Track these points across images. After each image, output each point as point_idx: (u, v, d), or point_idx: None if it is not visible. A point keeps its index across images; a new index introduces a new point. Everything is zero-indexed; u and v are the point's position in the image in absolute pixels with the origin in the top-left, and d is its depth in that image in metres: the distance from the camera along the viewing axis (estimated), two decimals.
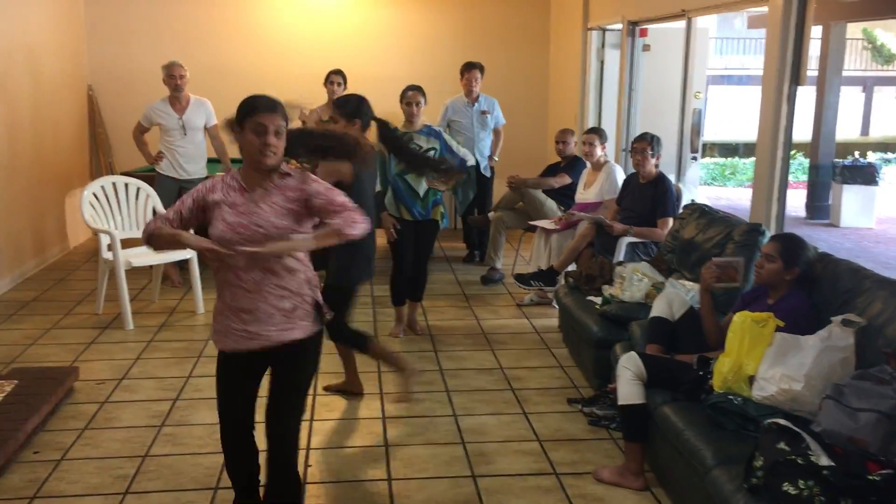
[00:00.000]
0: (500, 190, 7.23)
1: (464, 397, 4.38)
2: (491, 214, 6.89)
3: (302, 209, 2.67)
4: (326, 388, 4.40)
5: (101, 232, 5.57)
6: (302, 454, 3.68)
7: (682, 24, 6.03)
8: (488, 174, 7.27)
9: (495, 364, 4.88)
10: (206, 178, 6.44)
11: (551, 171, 6.73)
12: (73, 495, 3.31)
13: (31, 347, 5.04)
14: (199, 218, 2.73)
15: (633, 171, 5.50)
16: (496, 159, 7.33)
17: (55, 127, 7.38)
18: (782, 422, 2.65)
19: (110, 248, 5.48)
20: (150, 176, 6.38)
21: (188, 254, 5.73)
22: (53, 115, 7.33)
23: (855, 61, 19.73)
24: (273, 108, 2.62)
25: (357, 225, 2.65)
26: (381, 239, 8.17)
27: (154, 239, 2.69)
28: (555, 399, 4.36)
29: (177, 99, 6.36)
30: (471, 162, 5.37)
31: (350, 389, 4.38)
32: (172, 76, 6.31)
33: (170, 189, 6.30)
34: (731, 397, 3.07)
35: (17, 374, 4.29)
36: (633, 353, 3.52)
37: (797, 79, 4.29)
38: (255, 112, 2.61)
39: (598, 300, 4.63)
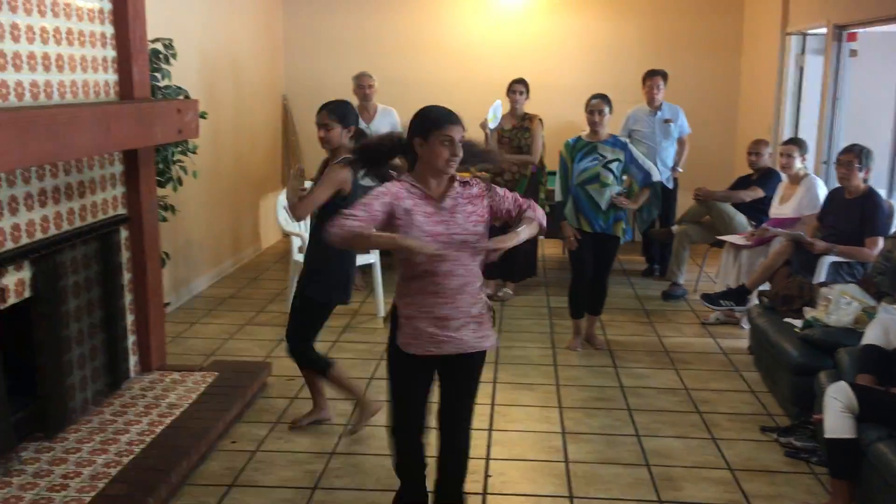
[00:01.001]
0: (684, 202, 6.96)
1: (647, 417, 4.21)
2: (674, 228, 6.63)
3: (488, 214, 2.80)
4: (293, 425, 4.05)
5: (294, 235, 5.84)
6: (482, 463, 3.66)
7: (895, 27, 5.54)
8: (671, 185, 7.01)
9: (679, 384, 4.66)
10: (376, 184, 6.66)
11: (742, 183, 6.39)
12: (267, 486, 3.46)
13: (228, 341, 5.35)
14: (384, 224, 2.70)
15: (837, 185, 5.10)
16: (681, 170, 7.06)
17: (252, 134, 7.84)
18: None
19: (301, 250, 5.73)
20: None
21: (372, 258, 5.89)
22: (251, 123, 7.79)
23: None
24: (458, 121, 2.71)
25: (543, 215, 2.88)
26: (557, 249, 8.15)
27: (357, 240, 2.62)
28: (746, 426, 4.10)
29: (365, 108, 6.58)
30: (656, 178, 5.14)
31: (320, 418, 4.10)
32: (362, 86, 6.54)
33: (357, 196, 6.51)
34: None
35: (217, 366, 4.57)
36: (842, 383, 3.24)
37: None
38: (443, 125, 2.68)
39: (798, 323, 4.31)
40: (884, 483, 2.93)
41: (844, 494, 3.17)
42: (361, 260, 5.98)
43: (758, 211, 6.08)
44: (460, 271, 2.71)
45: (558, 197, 5.17)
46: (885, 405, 3.14)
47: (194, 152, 5.30)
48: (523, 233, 2.75)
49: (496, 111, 6.24)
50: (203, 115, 5.06)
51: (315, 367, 4.01)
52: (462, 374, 2.86)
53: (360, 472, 3.60)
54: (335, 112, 3.83)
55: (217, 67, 6.88)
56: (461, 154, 2.69)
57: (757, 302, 5.10)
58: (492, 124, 6.20)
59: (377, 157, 2.92)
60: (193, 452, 3.56)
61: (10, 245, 3.32)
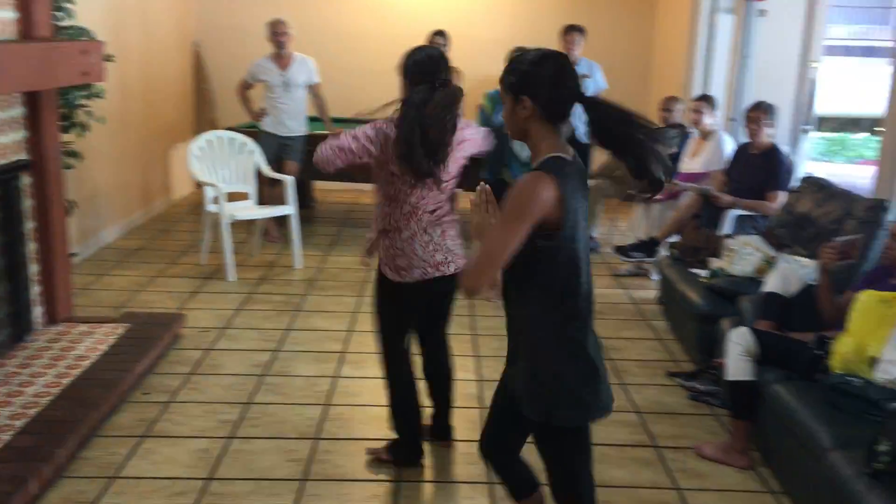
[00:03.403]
0: (598, 157, 7.08)
1: None
2: (589, 182, 6.74)
3: None
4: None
5: (208, 185, 5.70)
6: None
7: None
8: (586, 141, 7.11)
9: None
10: (307, 135, 6.57)
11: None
12: (181, 436, 3.42)
13: (139, 293, 5.22)
14: None
15: (744, 141, 5.28)
16: None
17: (163, 82, 7.56)
18: None
19: (215, 201, 5.61)
20: (252, 132, 6.48)
21: (288, 209, 5.82)
22: (161, 71, 7.51)
23: None
24: None
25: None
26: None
27: None
28: (654, 372, 4.26)
29: (281, 56, 6.43)
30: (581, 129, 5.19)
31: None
32: (277, 34, 6.37)
33: (271, 145, 6.39)
34: (850, 379, 2.93)
35: (128, 317, 4.46)
36: (744, 329, 3.40)
37: None
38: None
39: (704, 273, 4.48)
40: (779, 422, 3.10)
41: (743, 434, 3.34)
42: (279, 211, 5.92)
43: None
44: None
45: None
46: (782, 349, 3.31)
47: (100, 97, 5.08)
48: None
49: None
50: (109, 59, 4.85)
51: None
52: (450, 294, 3.21)
53: (277, 420, 3.59)
54: None
55: (124, 9, 6.58)
56: None
57: (666, 253, 5.27)
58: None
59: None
60: (103, 404, 3.48)
61: None
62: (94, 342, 4.05)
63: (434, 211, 3.01)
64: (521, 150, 5.03)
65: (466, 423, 3.60)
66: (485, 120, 5.13)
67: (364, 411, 3.71)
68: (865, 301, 3.03)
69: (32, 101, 4.03)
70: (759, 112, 5.02)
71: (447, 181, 3.01)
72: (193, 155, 5.76)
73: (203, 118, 8.53)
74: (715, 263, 4.48)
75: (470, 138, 3.12)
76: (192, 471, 3.16)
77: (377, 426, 3.53)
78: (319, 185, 8.22)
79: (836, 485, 2.58)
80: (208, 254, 5.87)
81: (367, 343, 4.43)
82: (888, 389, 2.84)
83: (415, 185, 2.94)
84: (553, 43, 7.06)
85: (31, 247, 4.13)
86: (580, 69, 6.84)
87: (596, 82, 7.01)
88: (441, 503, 3.07)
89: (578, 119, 6.80)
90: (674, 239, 5.41)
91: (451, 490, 3.11)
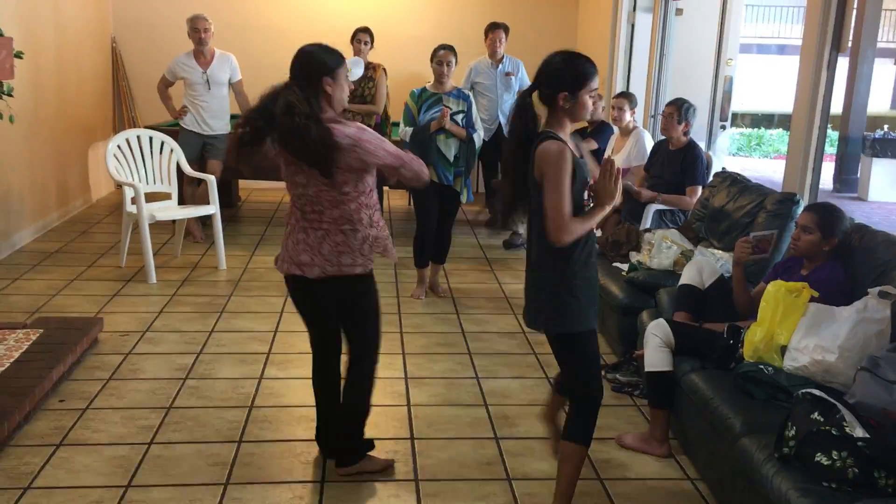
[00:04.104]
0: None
1: (486, 360, 4.36)
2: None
3: None
4: None
5: (126, 185, 5.55)
6: None
7: None
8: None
9: (518, 328, 4.85)
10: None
11: (578, 135, 6.63)
12: (99, 444, 3.33)
13: (54, 298, 5.06)
14: None
15: (662, 137, 5.41)
16: None
17: (79, 79, 7.34)
18: (817, 392, 2.61)
19: (134, 201, 5.47)
20: (173, 130, 6.35)
21: (211, 209, 5.72)
22: (77, 67, 7.29)
23: (888, 33, 19.28)
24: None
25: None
26: (403, 200, 8.20)
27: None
28: None
29: (201, 53, 6.31)
30: (477, 142, 5.17)
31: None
32: (196, 29, 6.25)
33: (193, 144, 6.27)
34: (762, 367, 3.03)
35: (42, 323, 4.31)
36: (661, 320, 3.48)
37: (838, 46, 4.18)
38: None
39: (625, 267, 4.58)
40: (695, 410, 3.19)
41: (662, 422, 3.42)
42: (201, 211, 5.81)
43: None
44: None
45: (409, 146, 5.17)
46: (697, 339, 3.40)
47: (10, 95, 4.90)
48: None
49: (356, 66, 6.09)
50: (19, 55, 4.70)
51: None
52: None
53: (199, 424, 3.53)
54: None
55: (35, 5, 6.36)
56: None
57: None
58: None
59: None
60: (16, 413, 3.35)
61: None
62: (5, 349, 3.90)
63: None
64: (448, 149, 5.03)
65: (394, 421, 3.61)
66: (410, 119, 5.12)
67: (289, 412, 3.68)
68: (774, 292, 3.14)
69: None
70: (672, 108, 5.15)
71: None
72: (111, 154, 5.60)
73: (122, 116, 8.31)
74: (635, 257, 4.58)
75: None
76: (109, 478, 3.08)
77: (302, 427, 3.50)
78: (244, 184, 8.11)
79: (747, 469, 2.66)
80: (128, 256, 5.72)
81: (292, 343, 4.39)
82: (797, 377, 2.95)
83: None
84: (479, 41, 7.11)
85: None
86: (504, 67, 6.94)
87: (521, 79, 7.09)
88: (366, 502, 3.06)
89: (504, 117, 6.94)
90: (596, 233, 5.50)
91: (376, 488, 3.10)
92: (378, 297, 3.10)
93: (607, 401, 3.86)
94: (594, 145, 6.37)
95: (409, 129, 5.10)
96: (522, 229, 6.66)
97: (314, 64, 2.82)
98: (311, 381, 3.23)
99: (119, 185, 5.65)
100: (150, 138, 5.89)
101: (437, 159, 5.04)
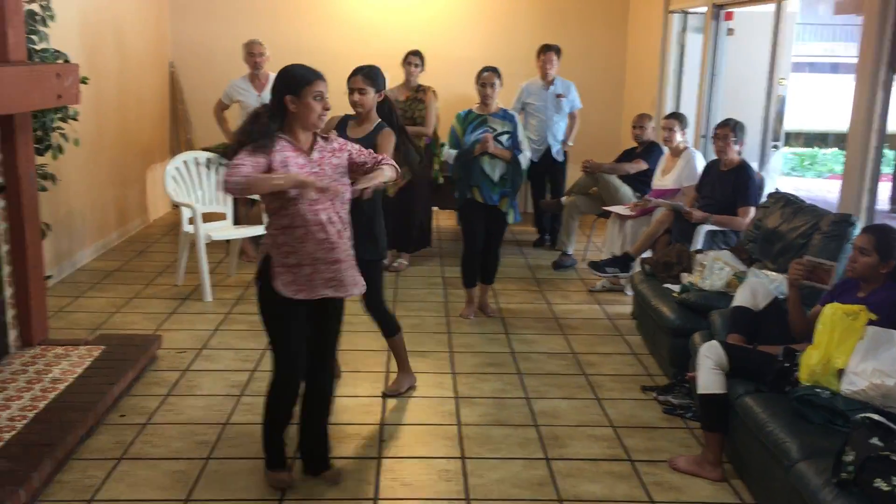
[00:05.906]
0: (573, 175, 7.16)
1: (536, 380, 4.36)
2: (564, 199, 6.83)
3: (346, 166, 3.10)
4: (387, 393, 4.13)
5: (184, 205, 5.71)
6: (376, 429, 3.73)
7: (769, 7, 5.84)
8: (562, 158, 7.21)
9: (567, 349, 4.85)
10: None
11: (627, 156, 6.63)
12: (158, 458, 3.42)
13: (115, 315, 5.20)
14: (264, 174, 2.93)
15: (714, 158, 5.38)
16: (570, 144, 7.27)
17: (138, 102, 7.57)
18: (876, 417, 2.57)
19: (191, 221, 5.61)
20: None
21: (264, 229, 5.83)
22: (137, 91, 7.52)
23: None
24: (323, 77, 2.96)
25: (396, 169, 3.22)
26: (451, 220, 8.25)
27: (257, 183, 2.79)
28: (628, 386, 4.31)
29: (256, 77, 6.47)
30: (524, 162, 5.17)
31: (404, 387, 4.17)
32: (252, 54, 6.42)
33: None
34: (818, 390, 2.99)
35: (104, 339, 4.45)
36: (714, 342, 3.46)
37: (894, 65, 4.13)
38: (313, 81, 2.92)
39: (676, 288, 4.55)
40: (750, 434, 3.16)
41: (716, 446, 3.39)
42: (254, 231, 5.93)
43: (641, 182, 6.33)
44: (335, 218, 3.00)
45: (453, 168, 5.23)
46: (751, 362, 3.37)
47: (75, 119, 5.08)
48: (387, 171, 3.12)
49: None
50: (84, 81, 4.86)
51: (389, 326, 4.10)
52: (336, 312, 3.22)
53: (254, 441, 3.58)
54: (368, 76, 3.92)
55: (99, 31, 6.59)
56: (330, 108, 2.97)
57: (639, 268, 5.34)
58: None
59: (265, 132, 2.93)
60: (79, 426, 3.47)
61: None
62: (69, 365, 4.04)
63: None
64: (493, 170, 5.06)
65: (444, 440, 3.63)
66: (455, 141, 5.17)
67: (340, 430, 3.72)
68: (831, 314, 3.10)
69: (7, 124, 4.03)
70: (727, 129, 5.12)
71: None
72: (169, 175, 5.77)
73: (179, 139, 8.53)
74: (686, 278, 4.55)
75: None
76: (169, 492, 3.16)
77: (354, 443, 3.55)
78: None
79: (804, 494, 2.63)
80: (185, 274, 5.87)
81: (347, 360, 4.45)
82: (854, 401, 2.91)
83: None
84: (529, 62, 7.17)
85: (6, 270, 4.12)
86: (555, 88, 6.98)
87: (571, 101, 7.12)
88: None
89: (553, 138, 6.98)
90: (647, 254, 5.49)
91: None
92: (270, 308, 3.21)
93: (658, 423, 3.87)
94: (644, 166, 6.36)
95: (453, 152, 5.15)
96: (571, 250, 6.67)
97: (278, 83, 2.98)
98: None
99: (176, 206, 5.80)
100: (207, 160, 6.05)
101: (483, 180, 5.07)
